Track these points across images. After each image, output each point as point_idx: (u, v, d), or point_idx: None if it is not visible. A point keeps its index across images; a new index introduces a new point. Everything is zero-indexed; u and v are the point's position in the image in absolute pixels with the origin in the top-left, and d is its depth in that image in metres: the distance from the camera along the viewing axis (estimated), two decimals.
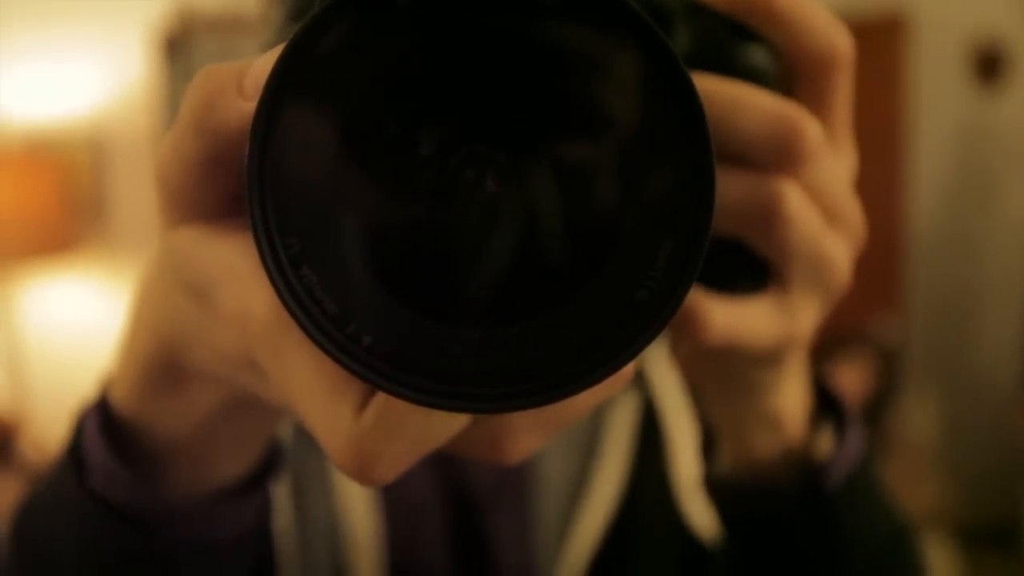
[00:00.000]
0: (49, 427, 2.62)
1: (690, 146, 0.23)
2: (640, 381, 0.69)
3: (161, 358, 0.36)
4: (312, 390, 0.28)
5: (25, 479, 2.35)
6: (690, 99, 0.23)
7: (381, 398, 0.27)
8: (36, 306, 2.99)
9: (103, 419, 0.40)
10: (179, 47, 3.05)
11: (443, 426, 0.28)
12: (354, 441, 0.27)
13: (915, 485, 2.82)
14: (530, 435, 0.30)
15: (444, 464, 0.69)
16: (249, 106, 0.26)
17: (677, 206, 0.24)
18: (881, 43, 3.28)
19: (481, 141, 0.24)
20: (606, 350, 0.24)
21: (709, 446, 0.50)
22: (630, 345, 0.24)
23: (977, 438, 3.46)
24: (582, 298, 0.24)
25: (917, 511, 2.73)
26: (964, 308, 3.52)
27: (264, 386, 0.32)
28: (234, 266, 0.29)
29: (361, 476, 0.28)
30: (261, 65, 0.26)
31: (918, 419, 3.19)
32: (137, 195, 3.12)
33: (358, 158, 0.24)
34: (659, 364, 0.68)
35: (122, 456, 0.39)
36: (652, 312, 0.24)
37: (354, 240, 0.24)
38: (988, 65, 3.38)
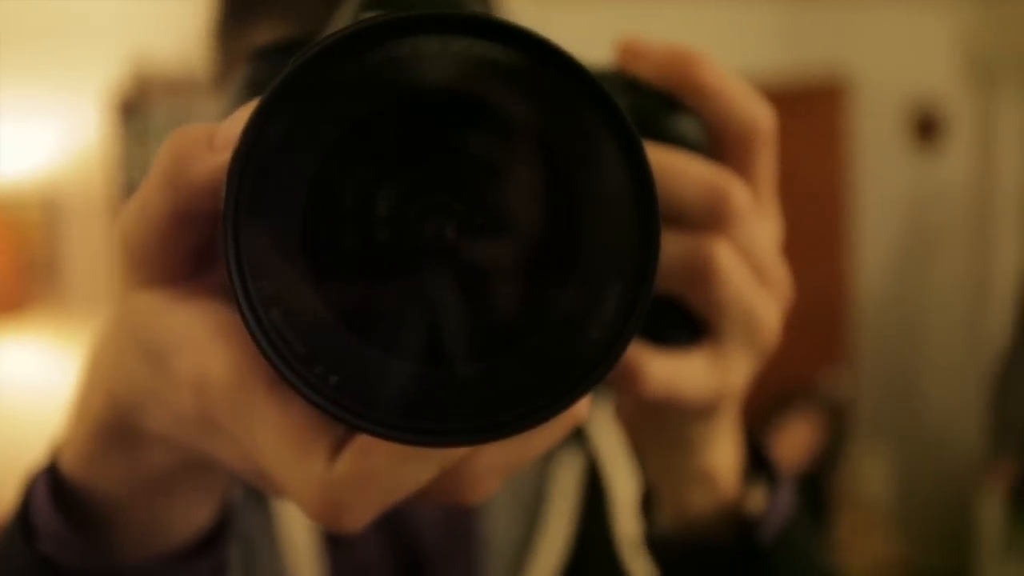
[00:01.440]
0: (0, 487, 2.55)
1: (637, 200, 0.25)
2: (584, 442, 0.70)
3: (114, 420, 0.36)
4: (280, 443, 0.28)
5: None
6: (640, 161, 0.25)
7: (356, 447, 0.28)
8: None
9: (53, 484, 0.40)
10: (134, 109, 3.03)
11: (416, 473, 0.29)
12: (327, 489, 0.28)
13: (867, 537, 2.83)
14: (488, 476, 0.31)
15: (392, 524, 0.69)
16: (220, 158, 0.27)
17: (626, 253, 0.25)
18: (823, 106, 3.35)
19: (438, 193, 0.26)
20: (562, 386, 0.25)
21: (650, 503, 0.51)
22: (583, 381, 0.25)
23: (927, 489, 3.49)
24: (539, 338, 0.26)
25: (869, 563, 2.75)
26: (911, 362, 3.57)
27: (219, 448, 0.32)
28: (191, 332, 0.30)
29: (333, 523, 0.29)
30: (234, 121, 0.27)
31: (868, 471, 3.22)
32: (90, 255, 3.08)
33: (321, 224, 0.25)
34: (602, 425, 0.69)
35: (73, 521, 0.39)
36: (603, 350, 0.25)
37: (320, 288, 0.25)
38: (927, 127, 3.48)
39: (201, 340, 0.29)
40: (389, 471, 0.28)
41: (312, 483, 0.28)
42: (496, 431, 0.25)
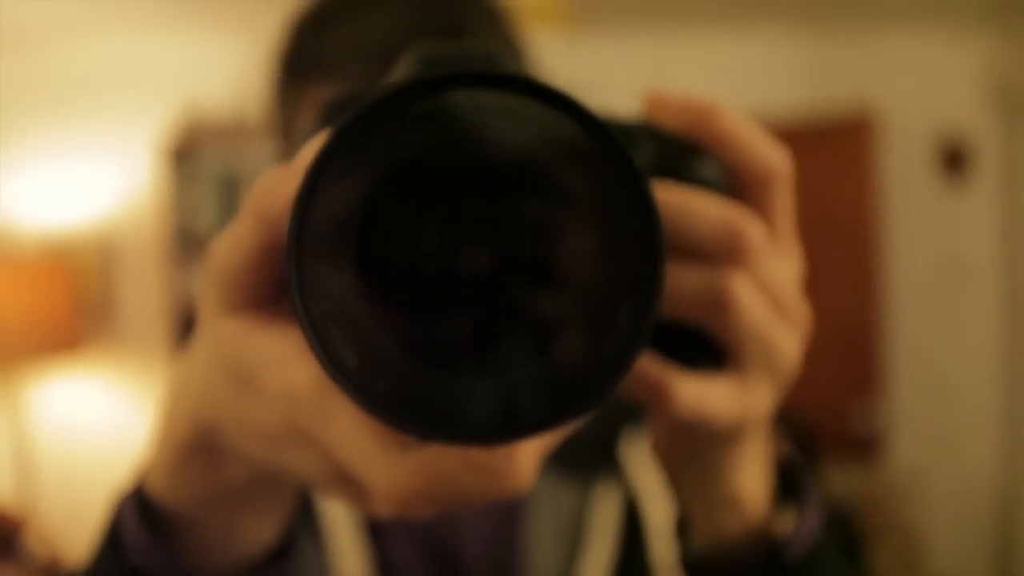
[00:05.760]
0: (55, 522, 2.60)
1: (644, 228, 0.27)
2: (622, 473, 0.72)
3: (197, 440, 0.38)
4: (360, 436, 0.32)
5: (31, 574, 2.33)
6: (644, 193, 0.27)
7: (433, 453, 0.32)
8: (44, 403, 3.00)
9: (139, 502, 0.43)
10: (185, 155, 3.11)
11: (484, 483, 0.32)
12: (404, 474, 0.32)
13: (910, 568, 2.78)
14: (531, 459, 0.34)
15: (436, 551, 0.72)
16: (293, 185, 0.29)
17: (636, 274, 0.28)
18: (850, 141, 3.34)
19: (472, 225, 0.28)
20: (580, 393, 0.28)
21: (684, 527, 0.52)
22: (600, 389, 0.28)
23: (966, 519, 3.42)
24: (559, 350, 0.28)
25: None
26: (943, 396, 3.52)
27: (298, 457, 0.35)
28: (277, 350, 0.33)
29: (407, 508, 0.33)
30: (306, 155, 0.30)
31: (907, 502, 3.17)
32: (143, 297, 3.15)
33: (373, 252, 0.28)
34: (639, 456, 0.71)
35: (157, 535, 0.42)
36: (614, 365, 0.28)
37: (371, 309, 0.28)
38: (954, 160, 3.44)
39: (286, 356, 0.33)
40: (462, 478, 0.32)
41: (390, 469, 0.32)
42: (525, 433, 0.28)
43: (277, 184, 0.31)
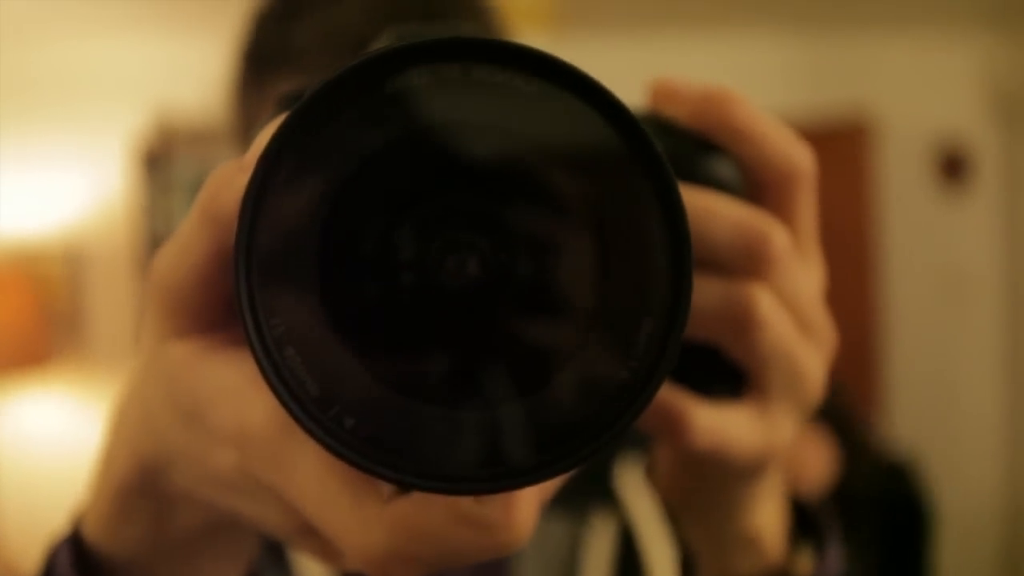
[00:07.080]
0: (19, 545, 2.57)
1: (669, 236, 0.24)
2: (617, 506, 0.68)
3: (140, 480, 0.35)
4: (329, 487, 0.28)
5: None
6: (672, 196, 0.24)
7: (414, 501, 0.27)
8: (9, 421, 2.96)
9: (76, 551, 0.39)
10: (158, 161, 3.10)
11: (468, 544, 0.28)
12: (381, 533, 0.27)
13: None
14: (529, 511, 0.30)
15: None
16: (246, 178, 0.26)
17: (657, 289, 0.24)
18: (847, 147, 3.35)
19: (458, 229, 0.25)
20: (588, 431, 0.24)
21: (689, 568, 0.49)
22: (613, 425, 0.24)
23: (970, 532, 3.42)
24: (564, 380, 0.24)
25: None
26: (943, 407, 3.52)
27: (255, 505, 0.31)
28: (228, 382, 0.29)
29: (383, 572, 0.28)
30: (260, 143, 0.26)
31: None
32: (113, 308, 3.12)
33: (337, 262, 0.24)
34: (635, 489, 0.67)
35: None
36: (634, 392, 0.24)
37: (336, 327, 0.24)
38: (953, 166, 3.46)
39: (238, 389, 0.29)
40: (445, 511, 0.27)
41: (363, 523, 0.27)
42: (521, 479, 0.24)
43: (227, 180, 0.27)
